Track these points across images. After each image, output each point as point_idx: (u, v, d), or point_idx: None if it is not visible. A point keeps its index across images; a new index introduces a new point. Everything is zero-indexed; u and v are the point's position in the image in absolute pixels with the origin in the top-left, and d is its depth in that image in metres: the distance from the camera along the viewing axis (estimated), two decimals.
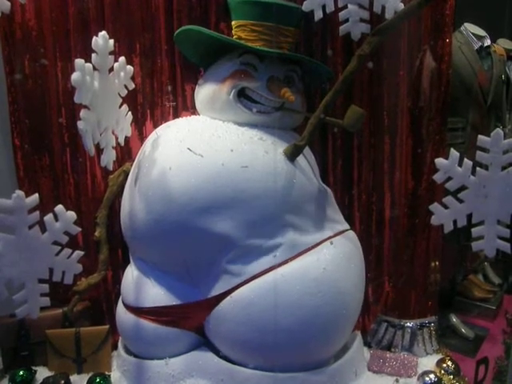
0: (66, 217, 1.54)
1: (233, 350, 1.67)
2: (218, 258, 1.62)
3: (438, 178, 1.62)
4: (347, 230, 1.80)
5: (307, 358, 1.66)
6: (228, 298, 1.61)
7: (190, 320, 1.70)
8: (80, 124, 1.40)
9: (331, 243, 1.67)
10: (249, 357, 1.65)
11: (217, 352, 1.72)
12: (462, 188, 1.61)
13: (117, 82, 1.63)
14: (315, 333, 1.60)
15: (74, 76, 1.35)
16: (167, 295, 1.70)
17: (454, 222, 1.62)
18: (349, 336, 1.81)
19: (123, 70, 1.66)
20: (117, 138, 1.72)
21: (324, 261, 1.62)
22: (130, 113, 1.77)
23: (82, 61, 1.37)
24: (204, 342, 1.75)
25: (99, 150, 1.58)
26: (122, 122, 1.73)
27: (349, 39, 1.68)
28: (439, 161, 1.60)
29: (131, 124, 1.82)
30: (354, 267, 1.72)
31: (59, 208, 1.54)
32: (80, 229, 1.60)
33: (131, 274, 1.79)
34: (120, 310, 1.81)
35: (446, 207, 1.63)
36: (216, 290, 1.64)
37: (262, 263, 1.60)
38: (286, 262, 1.60)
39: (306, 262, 1.61)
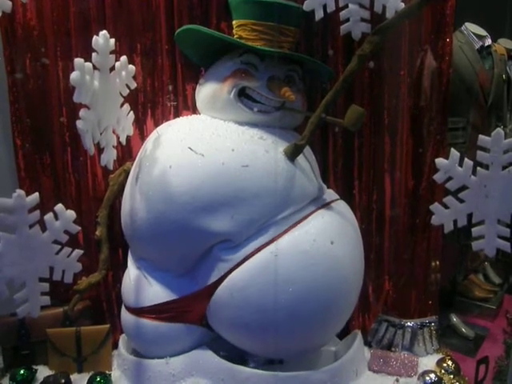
0: (65, 216, 1.55)
1: (235, 335, 1.67)
2: (214, 251, 1.63)
3: (438, 178, 1.62)
4: (336, 200, 1.77)
5: (308, 336, 1.65)
6: (223, 283, 1.60)
7: (191, 313, 1.70)
8: (79, 123, 1.41)
9: (319, 213, 1.64)
10: (251, 340, 1.64)
11: (217, 351, 1.73)
12: (462, 188, 1.60)
13: (118, 82, 1.63)
14: (314, 308, 1.57)
15: (73, 75, 1.35)
16: (165, 292, 1.71)
17: (455, 221, 1.62)
18: (351, 310, 1.77)
19: (125, 70, 1.66)
20: (118, 138, 1.72)
21: (313, 233, 1.59)
22: (131, 112, 1.77)
23: (82, 60, 1.37)
24: (210, 335, 1.75)
25: (100, 150, 1.58)
26: (124, 122, 1.73)
27: (349, 39, 1.68)
28: (439, 161, 1.60)
29: (133, 123, 1.82)
30: (347, 236, 1.68)
31: (59, 207, 1.54)
32: (79, 228, 1.60)
33: (129, 276, 1.80)
34: (123, 312, 1.82)
35: (446, 207, 1.63)
36: (211, 278, 1.63)
37: (253, 245, 1.58)
38: (274, 239, 1.58)
39: (295, 235, 1.58)
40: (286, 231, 1.59)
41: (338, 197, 1.81)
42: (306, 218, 1.62)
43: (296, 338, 1.62)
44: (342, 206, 1.77)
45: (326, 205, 1.70)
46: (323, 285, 1.57)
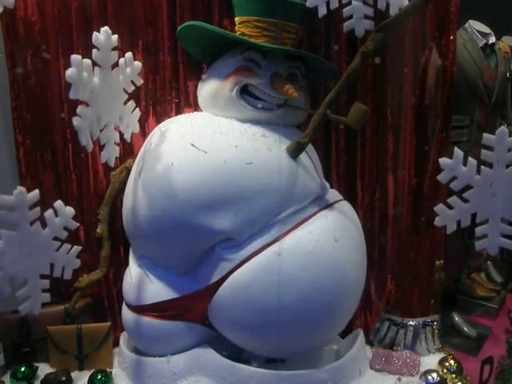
0: (65, 212, 1.54)
1: (237, 335, 1.67)
2: (216, 250, 1.62)
3: (442, 178, 1.60)
4: (340, 201, 1.77)
5: (310, 336, 1.65)
6: (225, 283, 1.60)
7: (193, 311, 1.70)
8: (75, 120, 1.40)
9: (323, 213, 1.64)
10: (253, 339, 1.64)
11: (219, 350, 1.72)
12: (465, 188, 1.59)
13: (122, 78, 1.62)
14: (315, 308, 1.57)
15: (69, 72, 1.34)
16: (166, 290, 1.70)
17: (458, 222, 1.61)
18: (353, 311, 1.78)
19: (130, 66, 1.65)
20: (122, 135, 1.71)
21: (316, 233, 1.58)
22: (137, 109, 1.76)
23: (79, 57, 1.37)
24: (211, 334, 1.74)
25: (100, 147, 1.57)
26: (128, 118, 1.72)
27: (353, 36, 1.66)
28: (443, 160, 1.59)
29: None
30: (350, 237, 1.68)
31: (58, 203, 1.54)
32: (78, 224, 1.60)
33: (130, 273, 1.79)
34: (124, 309, 1.81)
35: (450, 208, 1.61)
36: (213, 278, 1.63)
37: (256, 244, 1.58)
38: (277, 239, 1.57)
39: (297, 236, 1.58)
40: (288, 231, 1.59)
41: (341, 197, 1.80)
42: (309, 218, 1.62)
43: (298, 338, 1.62)
44: (345, 206, 1.76)
45: (330, 205, 1.69)
46: (325, 285, 1.57)
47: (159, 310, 1.70)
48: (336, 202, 1.73)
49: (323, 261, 1.57)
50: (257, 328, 1.59)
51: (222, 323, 1.68)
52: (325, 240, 1.58)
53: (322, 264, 1.56)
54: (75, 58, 1.36)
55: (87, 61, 1.40)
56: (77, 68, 1.35)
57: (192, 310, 1.70)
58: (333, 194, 1.79)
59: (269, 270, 1.54)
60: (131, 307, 1.76)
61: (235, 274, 1.58)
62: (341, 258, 1.61)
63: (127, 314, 1.78)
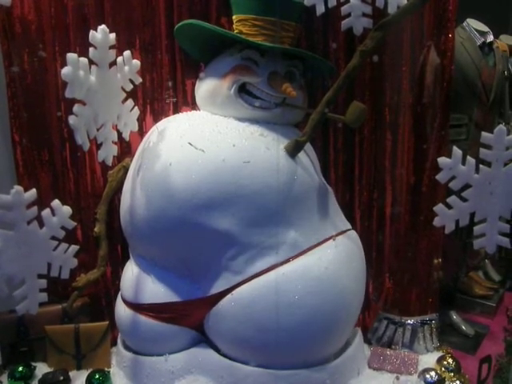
0: (62, 211, 1.54)
1: (233, 349, 1.67)
2: (218, 255, 1.61)
3: (441, 177, 1.60)
4: (349, 230, 1.79)
5: (307, 356, 1.66)
6: (229, 296, 1.60)
7: (190, 317, 1.70)
8: (71, 119, 1.40)
9: (333, 241, 1.66)
10: (249, 355, 1.64)
11: (217, 349, 1.72)
12: (463, 187, 1.59)
13: (119, 77, 1.62)
14: (316, 332, 1.60)
15: (65, 71, 1.34)
16: (167, 292, 1.70)
17: (456, 221, 1.61)
18: (349, 335, 1.81)
19: (128, 64, 1.65)
20: (120, 133, 1.70)
21: (326, 260, 1.61)
22: (136, 108, 1.75)
23: (75, 55, 1.36)
24: (203, 340, 1.75)
25: (98, 145, 1.57)
26: (126, 117, 1.71)
27: (351, 34, 1.66)
28: (442, 160, 1.58)
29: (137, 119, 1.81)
30: (355, 267, 1.72)
31: (55, 203, 1.54)
32: (75, 223, 1.60)
33: (131, 270, 1.78)
34: (119, 306, 1.80)
35: (449, 207, 1.61)
36: (217, 288, 1.63)
37: (264, 262, 1.59)
38: (287, 260, 1.59)
39: (307, 260, 1.60)
40: (299, 254, 1.60)
41: (350, 226, 1.83)
42: (320, 243, 1.64)
43: (294, 356, 1.64)
44: (353, 236, 1.80)
45: (340, 234, 1.72)
46: (328, 311, 1.60)
47: (157, 311, 1.70)
48: (346, 230, 1.76)
49: (329, 288, 1.59)
50: (255, 345, 1.60)
51: (218, 334, 1.68)
52: (333, 268, 1.61)
53: (328, 291, 1.59)
54: (71, 56, 1.36)
55: (83, 59, 1.40)
56: (72, 66, 1.35)
57: (189, 315, 1.70)
58: (343, 223, 1.81)
59: (275, 290, 1.55)
60: (128, 304, 1.75)
61: (241, 288, 1.59)
62: (346, 286, 1.65)
63: (123, 311, 1.76)
